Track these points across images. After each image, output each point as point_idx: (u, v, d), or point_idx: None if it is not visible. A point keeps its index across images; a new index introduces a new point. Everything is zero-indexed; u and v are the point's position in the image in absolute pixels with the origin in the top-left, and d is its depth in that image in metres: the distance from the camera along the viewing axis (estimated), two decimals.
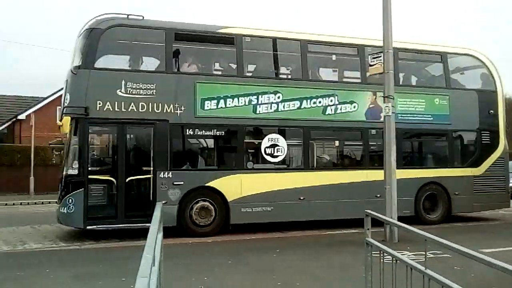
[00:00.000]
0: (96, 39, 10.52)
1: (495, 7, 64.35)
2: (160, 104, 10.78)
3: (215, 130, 11.31)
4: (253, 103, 11.50)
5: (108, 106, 10.43)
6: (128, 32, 11.16)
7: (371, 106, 12.52)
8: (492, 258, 3.22)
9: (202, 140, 11.50)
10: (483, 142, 13.69)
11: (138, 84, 10.66)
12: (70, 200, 10.25)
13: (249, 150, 11.78)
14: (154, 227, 4.09)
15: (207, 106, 11.14)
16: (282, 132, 11.78)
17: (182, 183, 10.80)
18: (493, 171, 13.61)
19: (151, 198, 10.64)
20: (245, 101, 11.44)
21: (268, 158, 11.61)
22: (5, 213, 16.95)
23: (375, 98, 12.52)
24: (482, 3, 65.00)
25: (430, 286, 3.94)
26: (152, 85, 10.75)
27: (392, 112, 10.48)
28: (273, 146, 11.61)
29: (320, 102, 12.04)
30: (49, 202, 18.81)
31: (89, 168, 10.47)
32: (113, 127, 10.76)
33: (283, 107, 11.73)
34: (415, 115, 12.86)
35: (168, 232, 10.72)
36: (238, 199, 11.22)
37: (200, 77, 11.39)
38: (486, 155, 13.64)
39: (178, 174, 10.83)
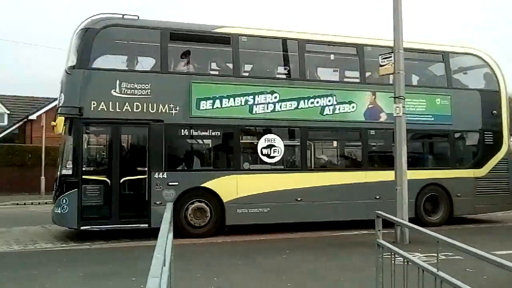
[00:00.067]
0: (91, 39, 10.39)
1: (495, 7, 63.42)
2: (155, 104, 10.62)
3: (210, 130, 11.11)
4: (249, 103, 11.28)
5: (102, 106, 10.30)
6: (123, 32, 11.03)
7: (370, 106, 12.23)
8: (505, 260, 3.18)
9: (197, 141, 11.31)
10: (486, 142, 13.31)
11: (133, 84, 10.51)
12: (64, 200, 10.13)
13: (245, 151, 11.57)
14: (165, 227, 4.05)
15: (203, 106, 10.95)
16: (279, 133, 11.55)
17: (177, 183, 10.62)
18: (496, 172, 13.22)
19: (145, 199, 10.50)
20: (241, 101, 11.22)
21: (265, 158, 11.38)
22: (16, 213, 17.02)
23: (374, 98, 12.25)
24: (482, 3, 64.07)
25: None
26: (147, 85, 10.59)
27: (403, 113, 10.29)
28: (269, 146, 11.38)
29: (318, 102, 11.77)
30: None
31: (83, 169, 10.34)
32: (108, 127, 10.64)
33: (280, 107, 11.49)
34: (416, 116, 12.51)
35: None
36: (234, 200, 11.01)
37: (195, 77, 11.20)
38: (489, 156, 13.27)
39: (173, 174, 10.65)
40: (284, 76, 12.32)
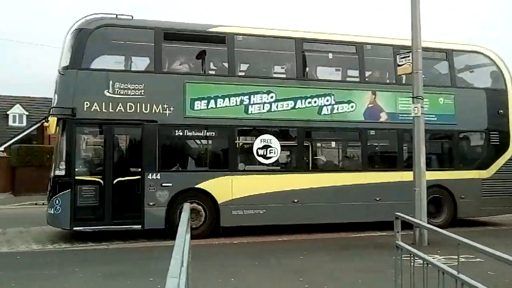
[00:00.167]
0: (84, 39, 10.24)
1: (495, 6, 61.71)
2: (148, 105, 10.42)
3: (205, 130, 10.86)
4: (244, 103, 10.99)
5: (95, 106, 10.14)
6: (117, 32, 10.88)
7: (370, 106, 11.83)
8: None
9: (191, 141, 11.09)
10: (492, 143, 12.76)
11: (126, 85, 10.33)
12: (57, 201, 10.01)
13: (241, 151, 11.32)
14: (183, 228, 4.07)
15: (197, 107, 10.70)
16: (275, 133, 11.25)
17: (170, 184, 10.40)
18: (503, 173, 12.67)
19: (139, 200, 10.30)
20: (236, 101, 10.94)
21: (261, 159, 11.07)
22: (35, 213, 17.01)
23: (374, 98, 11.84)
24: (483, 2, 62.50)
25: None
26: (140, 85, 10.40)
27: (422, 113, 10.08)
28: (265, 147, 11.07)
29: (315, 102, 11.41)
30: None
31: (76, 169, 10.21)
32: (101, 128, 10.51)
33: (277, 107, 11.18)
34: None
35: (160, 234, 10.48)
36: (229, 201, 10.74)
37: (190, 76, 10.98)
38: (495, 157, 12.72)
39: (166, 175, 10.43)
40: (281, 76, 12.00)
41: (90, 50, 10.45)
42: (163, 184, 10.36)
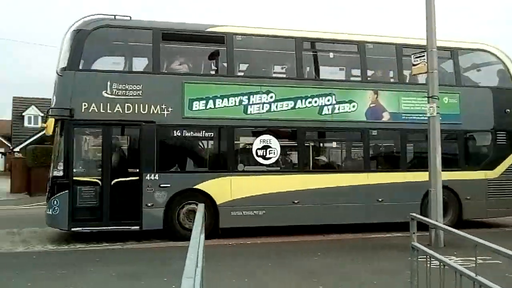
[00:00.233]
0: (82, 40, 10.17)
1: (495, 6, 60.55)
2: (146, 105, 10.31)
3: (203, 131, 10.71)
4: (243, 103, 10.82)
5: (93, 107, 10.06)
6: (115, 32, 10.80)
7: (372, 105, 11.57)
8: None
9: (190, 142, 10.94)
10: (498, 143, 12.41)
11: (124, 85, 10.24)
12: (55, 201, 9.96)
13: (240, 152, 11.18)
14: (197, 229, 4.03)
15: (195, 107, 10.56)
16: (275, 133, 11.05)
17: (169, 185, 10.28)
18: (510, 174, 12.30)
19: (137, 201, 10.19)
20: (235, 101, 10.78)
21: (260, 160, 10.89)
22: None
23: (377, 97, 11.57)
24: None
25: None
26: (138, 86, 10.30)
27: (437, 113, 9.89)
28: (265, 147, 10.89)
29: (316, 102, 11.20)
30: None
31: (74, 170, 10.15)
32: (99, 128, 10.41)
33: (276, 107, 10.99)
34: (420, 115, 11.73)
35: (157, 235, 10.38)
36: (228, 202, 10.58)
37: (188, 77, 10.84)
38: (502, 157, 12.37)
39: (165, 176, 10.31)
40: (280, 76, 11.80)
41: (88, 51, 10.38)
42: (161, 185, 10.25)
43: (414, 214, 5.35)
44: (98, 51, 10.90)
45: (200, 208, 5.31)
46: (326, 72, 12.38)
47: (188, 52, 11.24)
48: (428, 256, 4.73)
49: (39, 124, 32.71)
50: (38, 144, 27.60)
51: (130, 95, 10.23)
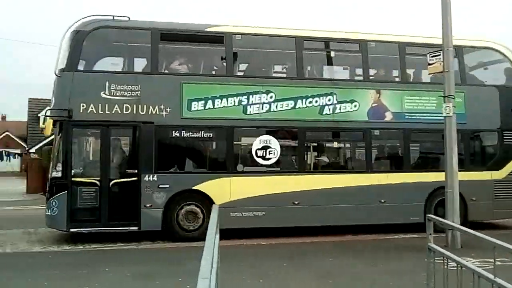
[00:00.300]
0: (80, 41, 10.10)
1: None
2: (145, 106, 10.21)
3: (202, 132, 10.55)
4: (243, 103, 10.65)
5: (91, 108, 9.99)
6: (114, 33, 10.71)
7: (374, 105, 11.31)
8: None
9: (188, 142, 10.76)
10: (505, 143, 12.03)
11: (122, 86, 10.14)
12: (54, 202, 9.90)
13: (239, 152, 10.98)
14: (212, 229, 4.05)
15: (194, 107, 10.42)
16: (275, 134, 10.87)
17: (167, 186, 10.16)
18: None
19: (135, 202, 10.08)
20: (234, 101, 10.61)
21: (260, 160, 10.70)
22: None
23: (379, 97, 11.31)
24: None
25: None
26: (137, 86, 10.20)
27: (453, 113, 9.71)
28: (265, 148, 10.70)
29: (316, 101, 10.98)
30: None
31: (73, 171, 10.07)
32: (97, 129, 10.33)
33: (276, 107, 10.79)
34: (424, 114, 11.51)
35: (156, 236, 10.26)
36: (227, 203, 10.40)
37: (186, 77, 10.70)
38: (509, 157, 12.00)
39: (163, 177, 10.19)
40: (280, 75, 11.59)
41: (87, 52, 10.32)
42: (160, 186, 10.13)
43: (431, 215, 5.28)
44: (96, 52, 10.83)
45: (215, 209, 5.29)
46: (327, 71, 12.14)
47: (187, 52, 11.10)
48: (445, 258, 4.66)
49: None
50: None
51: (129, 96, 10.13)
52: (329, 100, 11.04)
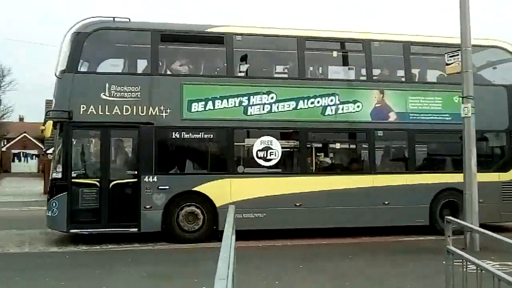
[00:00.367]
0: (80, 42, 10.04)
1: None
2: (145, 107, 10.12)
3: (202, 133, 10.42)
4: (244, 104, 10.49)
5: (91, 109, 9.93)
6: (114, 34, 10.65)
7: (377, 105, 11.06)
8: None
9: (188, 144, 10.64)
10: None
11: (122, 87, 10.07)
12: (54, 203, 9.85)
13: (240, 153, 10.83)
14: (229, 230, 4.00)
15: (194, 108, 10.29)
16: (276, 135, 10.67)
17: (167, 187, 10.04)
18: None
19: (135, 203, 9.98)
20: (235, 102, 10.45)
21: (261, 161, 10.52)
22: None
23: (382, 97, 11.03)
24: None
25: None
26: (137, 87, 10.11)
27: (472, 113, 9.50)
28: (266, 149, 10.52)
29: (318, 102, 10.77)
30: None
31: (73, 172, 10.00)
32: (97, 130, 10.27)
33: (277, 108, 10.61)
34: (429, 115, 11.21)
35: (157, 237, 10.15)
36: (227, 204, 10.16)
37: (187, 78, 10.57)
38: None
39: (163, 178, 10.08)
40: (282, 76, 11.38)
41: (87, 53, 10.27)
42: (160, 187, 10.02)
43: (450, 218, 5.21)
44: (97, 53, 10.74)
45: (231, 210, 5.27)
46: (329, 71, 11.90)
47: (187, 53, 10.98)
48: (464, 260, 4.58)
49: None
50: None
51: (129, 97, 10.05)
52: (331, 100, 10.82)
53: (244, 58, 10.85)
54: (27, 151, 44.52)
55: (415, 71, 11.75)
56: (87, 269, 7.80)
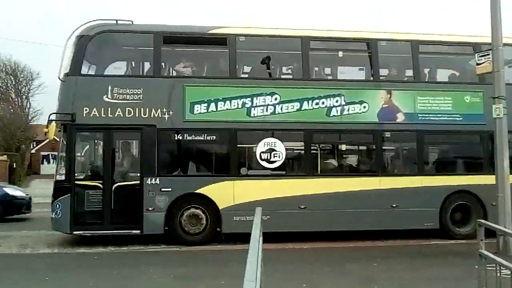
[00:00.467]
0: (84, 46, 9.99)
1: None
2: (147, 109, 9.99)
3: (205, 134, 10.21)
4: (246, 105, 10.25)
5: (94, 112, 9.85)
6: (117, 37, 10.56)
7: (384, 106, 10.66)
8: None
9: (191, 145, 10.45)
10: None
11: (125, 89, 9.97)
12: (58, 205, 9.80)
13: (243, 155, 10.59)
14: (256, 232, 3.92)
15: (197, 110, 10.10)
16: (280, 136, 10.39)
17: (170, 189, 9.88)
18: None
19: (138, 205, 9.86)
20: (237, 103, 10.22)
21: (264, 163, 10.26)
22: None
23: (390, 97, 10.63)
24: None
25: None
26: (139, 89, 9.99)
27: (504, 114, 9.19)
28: (269, 151, 10.25)
29: (323, 103, 10.44)
30: None
31: (76, 174, 9.94)
32: (100, 133, 10.21)
33: (281, 109, 10.33)
34: (439, 115, 10.74)
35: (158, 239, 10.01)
36: (230, 207, 10.03)
37: (189, 80, 10.39)
38: None
39: (165, 180, 9.92)
40: (285, 76, 11.08)
41: (90, 56, 10.21)
42: (162, 189, 9.86)
43: (481, 221, 5.08)
44: (100, 56, 10.67)
45: (257, 212, 5.23)
46: (334, 72, 11.55)
47: (189, 54, 10.81)
48: (497, 265, 4.44)
49: None
50: None
51: (131, 99, 9.94)
52: (336, 101, 10.48)
53: (165, 57, 10.56)
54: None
55: (425, 71, 11.31)
56: (115, 269, 7.86)
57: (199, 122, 10.10)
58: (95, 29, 10.08)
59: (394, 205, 10.41)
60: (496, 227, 5.56)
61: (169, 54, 10.62)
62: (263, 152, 10.25)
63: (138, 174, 9.95)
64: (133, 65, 10.94)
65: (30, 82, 38.83)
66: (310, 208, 10.20)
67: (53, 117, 10.01)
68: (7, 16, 52.75)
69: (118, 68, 10.88)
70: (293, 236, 10.24)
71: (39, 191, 28.34)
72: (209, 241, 10.05)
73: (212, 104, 10.14)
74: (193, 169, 10.36)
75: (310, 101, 10.39)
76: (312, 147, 10.58)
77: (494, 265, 4.46)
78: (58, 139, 10.92)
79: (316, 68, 11.19)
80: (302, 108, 10.37)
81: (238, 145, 10.31)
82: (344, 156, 11.14)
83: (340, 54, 11.03)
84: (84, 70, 10.11)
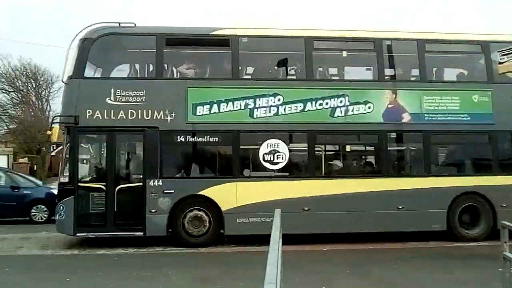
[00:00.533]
0: (87, 48, 9.92)
1: None
2: (150, 111, 9.88)
3: (208, 136, 10.06)
4: (249, 107, 10.07)
5: (97, 114, 9.78)
6: (120, 40, 10.47)
7: (389, 106, 10.38)
8: None
9: (194, 147, 10.28)
10: None
11: (128, 92, 9.87)
12: (61, 207, 9.75)
13: (246, 157, 10.37)
14: (276, 234, 3.91)
15: (199, 112, 9.95)
16: (283, 137, 10.18)
17: (172, 191, 9.75)
18: None
19: (141, 207, 9.75)
20: (240, 105, 10.05)
21: (267, 165, 10.06)
22: None
23: (395, 97, 10.34)
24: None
25: None
26: (142, 92, 9.89)
27: None
28: (272, 152, 10.04)
29: (327, 103, 10.20)
30: None
31: (79, 176, 9.88)
32: (103, 135, 10.11)
33: (284, 110, 10.12)
34: (446, 115, 10.41)
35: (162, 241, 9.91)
36: (233, 208, 9.87)
37: (191, 81, 10.25)
38: None
39: (168, 182, 9.79)
40: (288, 77, 10.84)
41: (93, 59, 10.15)
42: (165, 191, 9.74)
43: (505, 222, 4.99)
44: (103, 58, 10.58)
45: (277, 214, 5.16)
46: (338, 72, 11.28)
47: (192, 56, 10.66)
48: None
49: None
50: None
51: (134, 101, 9.84)
52: (341, 101, 10.23)
53: (168, 59, 10.39)
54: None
55: (432, 70, 10.98)
56: (135, 271, 7.82)
57: (202, 124, 9.96)
58: (98, 32, 10.01)
59: (400, 207, 10.12)
60: None
61: (172, 56, 10.50)
62: (266, 153, 10.06)
63: (141, 176, 9.84)
64: (136, 67, 10.83)
65: (50, 85, 39.04)
66: (314, 210, 9.96)
67: (56, 119, 9.97)
68: (28, 21, 53.43)
69: (121, 70, 10.79)
70: (311, 238, 10.08)
71: None
72: (212, 243, 9.90)
73: (215, 106, 9.99)
74: (195, 171, 10.21)
75: (313, 102, 10.17)
76: (316, 148, 10.34)
77: None
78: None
79: (320, 69, 10.93)
80: (306, 109, 10.15)
81: (241, 147, 10.12)
82: (348, 157, 10.89)
83: (344, 54, 10.78)
84: (87, 72, 10.03)
